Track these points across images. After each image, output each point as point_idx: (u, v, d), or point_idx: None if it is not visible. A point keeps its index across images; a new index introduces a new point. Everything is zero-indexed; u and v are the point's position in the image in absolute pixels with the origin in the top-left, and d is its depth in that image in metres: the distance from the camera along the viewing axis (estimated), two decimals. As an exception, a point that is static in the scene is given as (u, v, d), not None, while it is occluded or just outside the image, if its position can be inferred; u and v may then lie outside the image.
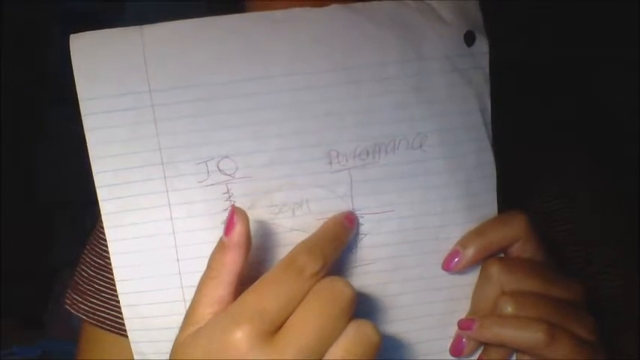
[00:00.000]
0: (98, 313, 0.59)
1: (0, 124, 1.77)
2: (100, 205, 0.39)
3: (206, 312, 0.36)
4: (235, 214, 0.36)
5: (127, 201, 0.39)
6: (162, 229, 0.39)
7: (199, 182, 0.39)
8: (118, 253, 0.39)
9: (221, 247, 0.36)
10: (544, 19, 1.21)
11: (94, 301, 0.60)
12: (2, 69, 1.76)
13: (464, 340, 0.43)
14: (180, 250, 0.39)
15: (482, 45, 0.41)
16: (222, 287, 0.36)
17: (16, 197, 1.84)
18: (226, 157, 0.39)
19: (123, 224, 0.39)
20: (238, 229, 0.35)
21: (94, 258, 0.61)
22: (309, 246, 0.36)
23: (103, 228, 0.60)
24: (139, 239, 0.39)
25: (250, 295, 0.35)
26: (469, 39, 0.41)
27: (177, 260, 0.40)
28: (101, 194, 0.39)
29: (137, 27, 0.38)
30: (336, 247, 0.38)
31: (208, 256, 0.38)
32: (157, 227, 0.39)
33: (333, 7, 0.39)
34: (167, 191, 0.39)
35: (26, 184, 1.92)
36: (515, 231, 0.42)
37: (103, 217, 0.39)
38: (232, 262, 0.36)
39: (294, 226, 0.40)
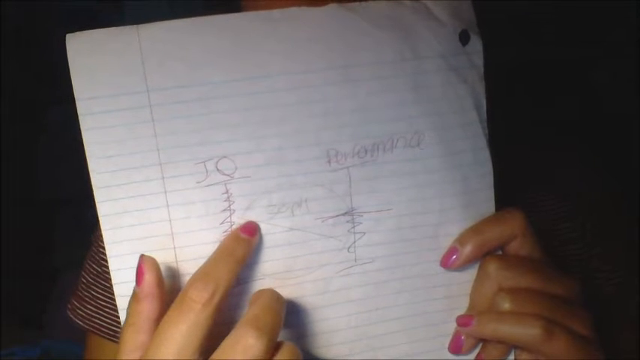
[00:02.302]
0: (94, 319, 0.60)
1: (0, 124, 1.77)
2: (97, 206, 0.38)
3: (130, 358, 0.37)
4: (143, 263, 0.36)
5: (124, 202, 0.38)
6: (160, 231, 0.39)
7: (198, 182, 0.39)
8: (115, 256, 0.39)
9: (134, 296, 0.37)
10: (543, 18, 1.21)
11: (90, 307, 0.61)
12: (2, 69, 1.76)
13: (462, 336, 0.43)
14: (179, 251, 0.39)
15: (476, 44, 0.42)
16: (141, 333, 0.36)
17: (16, 197, 1.84)
18: (225, 157, 0.39)
19: (120, 226, 0.38)
20: (147, 279, 0.36)
21: (93, 265, 0.62)
22: (198, 275, 0.37)
23: (102, 237, 0.60)
24: (136, 241, 0.39)
25: (151, 345, 0.35)
26: (464, 38, 0.41)
27: (177, 262, 0.39)
28: (98, 196, 0.38)
29: (133, 26, 0.37)
30: (232, 264, 0.37)
31: (207, 258, 0.38)
32: (155, 229, 0.39)
33: (331, 7, 0.39)
34: (165, 192, 0.38)
35: (27, 185, 1.92)
36: (513, 228, 0.42)
37: (100, 219, 0.38)
38: (147, 310, 0.36)
39: (293, 225, 0.40)
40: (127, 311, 0.37)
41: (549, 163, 0.62)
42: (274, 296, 0.38)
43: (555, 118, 0.67)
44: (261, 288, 0.40)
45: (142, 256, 0.37)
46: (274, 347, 0.36)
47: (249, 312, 0.36)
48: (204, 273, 0.37)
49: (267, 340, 0.35)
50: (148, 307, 0.36)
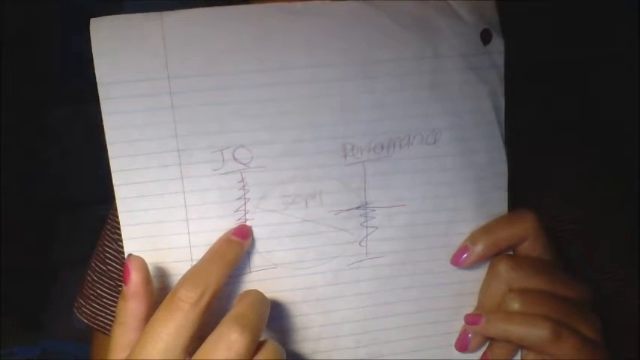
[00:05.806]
0: (99, 317, 0.60)
1: (0, 123, 1.77)
2: (115, 189, 0.39)
3: (119, 357, 0.37)
4: (130, 262, 0.37)
5: (141, 186, 0.39)
6: (175, 216, 0.39)
7: (214, 170, 0.39)
8: (130, 239, 0.39)
9: (122, 295, 0.37)
10: (543, 19, 1.21)
11: (96, 305, 0.61)
12: (2, 69, 1.76)
13: (470, 335, 0.43)
14: (193, 237, 0.40)
15: (498, 44, 0.42)
16: (130, 332, 0.37)
17: (16, 197, 1.84)
18: (242, 146, 0.39)
19: (136, 209, 0.39)
20: (133, 279, 0.37)
21: (99, 263, 0.62)
22: (188, 275, 0.37)
23: (108, 236, 0.61)
24: (151, 225, 0.39)
25: (138, 344, 0.36)
26: (485, 37, 0.41)
27: (190, 247, 0.40)
28: (116, 179, 0.38)
29: (157, 13, 0.38)
30: (222, 266, 0.38)
31: None
32: (170, 214, 0.39)
33: (352, 1, 0.40)
34: (182, 178, 0.39)
35: (27, 185, 1.92)
36: (524, 229, 0.42)
37: (117, 202, 0.39)
38: (134, 309, 0.37)
39: (306, 217, 0.41)
40: (116, 310, 0.38)
41: (553, 165, 0.62)
42: (259, 296, 0.39)
43: (555, 119, 0.67)
44: (272, 277, 0.41)
45: (129, 255, 0.37)
46: (257, 345, 0.36)
47: (234, 310, 0.37)
48: (194, 274, 0.37)
49: (251, 336, 0.35)
50: (135, 306, 0.37)
